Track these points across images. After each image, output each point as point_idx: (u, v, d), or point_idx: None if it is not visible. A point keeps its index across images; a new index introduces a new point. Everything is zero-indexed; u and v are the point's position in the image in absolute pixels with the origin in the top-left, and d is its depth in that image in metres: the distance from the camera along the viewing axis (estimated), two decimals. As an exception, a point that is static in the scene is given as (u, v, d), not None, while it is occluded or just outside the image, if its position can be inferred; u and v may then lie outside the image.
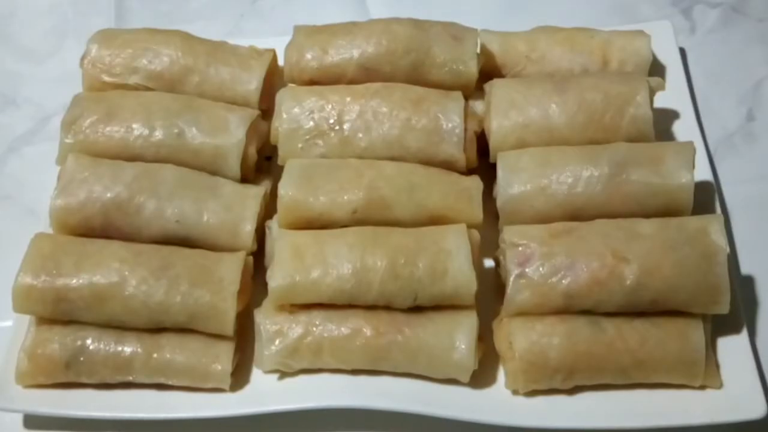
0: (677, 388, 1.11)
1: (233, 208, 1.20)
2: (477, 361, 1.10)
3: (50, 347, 1.13)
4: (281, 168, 1.23)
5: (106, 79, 1.32)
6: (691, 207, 1.16)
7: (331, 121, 1.24)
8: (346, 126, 1.24)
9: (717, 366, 1.11)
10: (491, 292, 1.19)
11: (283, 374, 1.14)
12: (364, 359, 1.11)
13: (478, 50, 1.31)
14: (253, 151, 1.26)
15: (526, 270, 1.10)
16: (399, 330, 1.10)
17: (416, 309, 1.12)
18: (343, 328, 1.11)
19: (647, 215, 1.14)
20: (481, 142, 1.26)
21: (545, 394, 1.11)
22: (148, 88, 1.31)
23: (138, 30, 1.37)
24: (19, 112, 1.55)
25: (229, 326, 1.12)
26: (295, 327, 1.12)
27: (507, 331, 1.12)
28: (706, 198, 1.26)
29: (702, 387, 1.10)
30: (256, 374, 1.16)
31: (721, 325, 1.13)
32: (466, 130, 1.22)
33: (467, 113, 1.24)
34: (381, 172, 1.19)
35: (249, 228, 1.19)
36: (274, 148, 1.28)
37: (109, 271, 1.12)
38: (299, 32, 1.34)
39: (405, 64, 1.29)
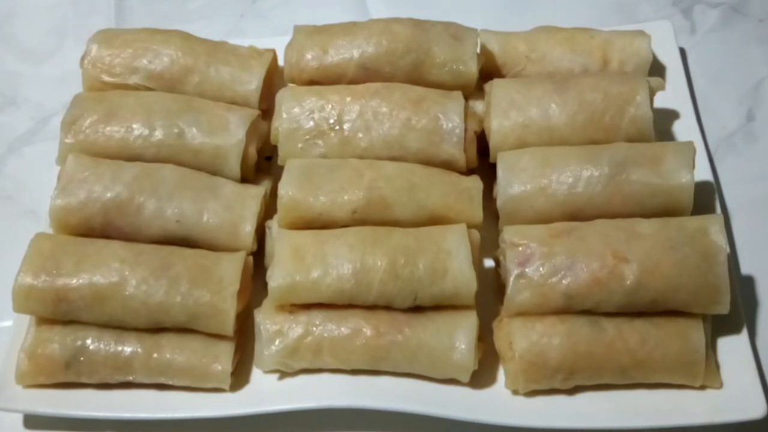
0: (677, 388, 1.10)
1: (233, 208, 1.20)
2: (477, 361, 1.10)
3: (50, 347, 1.13)
4: (281, 168, 1.23)
5: (106, 79, 1.32)
6: (691, 207, 1.16)
7: (331, 121, 1.24)
8: (346, 126, 1.24)
9: (717, 366, 1.11)
10: (491, 292, 1.19)
11: (283, 374, 1.14)
12: (364, 359, 1.11)
13: (478, 50, 1.31)
14: (253, 151, 1.26)
15: (526, 270, 1.10)
16: (399, 330, 1.10)
17: (416, 309, 1.12)
18: (343, 328, 1.11)
19: (647, 215, 1.14)
20: (481, 142, 1.26)
21: (545, 394, 1.11)
22: (148, 88, 1.31)
23: (138, 30, 1.37)
24: (19, 112, 1.54)
25: (229, 326, 1.12)
26: (295, 327, 1.12)
27: (507, 331, 1.12)
28: (706, 198, 1.26)
29: (702, 387, 1.10)
30: (256, 374, 1.16)
31: (721, 325, 1.13)
32: (466, 130, 1.22)
33: (467, 113, 1.24)
34: (381, 172, 1.19)
35: (249, 228, 1.19)
36: (274, 148, 1.28)
37: (109, 271, 1.12)
38: (299, 32, 1.33)
39: (405, 64, 1.29)
